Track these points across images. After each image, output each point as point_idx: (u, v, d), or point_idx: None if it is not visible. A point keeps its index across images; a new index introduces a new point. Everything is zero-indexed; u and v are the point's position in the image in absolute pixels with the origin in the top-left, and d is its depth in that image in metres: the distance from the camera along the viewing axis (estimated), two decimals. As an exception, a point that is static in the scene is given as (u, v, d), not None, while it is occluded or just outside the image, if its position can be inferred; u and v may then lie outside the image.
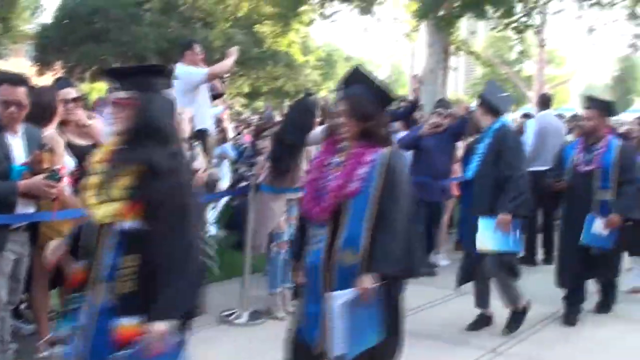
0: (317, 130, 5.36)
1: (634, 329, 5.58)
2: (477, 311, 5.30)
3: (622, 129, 9.62)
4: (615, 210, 5.32)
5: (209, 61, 7.17)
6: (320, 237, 3.10)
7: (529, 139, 8.19)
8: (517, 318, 5.17)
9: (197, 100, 6.14)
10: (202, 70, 6.27)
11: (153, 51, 24.00)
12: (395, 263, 2.98)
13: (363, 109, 3.10)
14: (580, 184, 5.47)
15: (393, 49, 28.84)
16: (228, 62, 6.47)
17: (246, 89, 32.20)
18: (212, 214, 7.88)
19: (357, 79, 3.22)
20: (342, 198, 3.04)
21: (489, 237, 4.94)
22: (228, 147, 9.06)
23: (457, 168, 7.03)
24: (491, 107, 5.20)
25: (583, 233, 5.35)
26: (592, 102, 5.66)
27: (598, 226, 5.34)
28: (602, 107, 5.56)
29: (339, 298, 2.95)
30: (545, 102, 8.67)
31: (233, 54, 6.44)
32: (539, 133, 8.14)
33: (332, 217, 3.06)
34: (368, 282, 2.93)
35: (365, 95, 3.13)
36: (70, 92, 4.45)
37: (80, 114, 4.50)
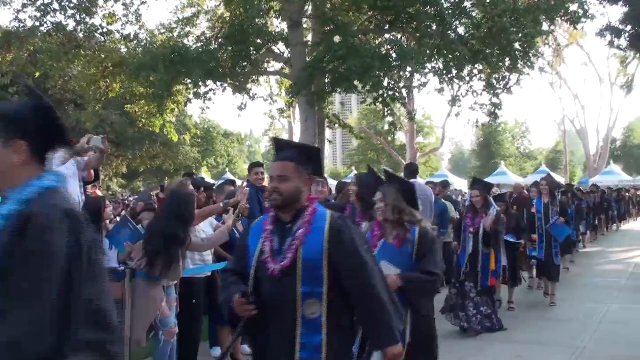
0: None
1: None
2: None
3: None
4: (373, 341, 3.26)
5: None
6: None
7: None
8: None
9: None
10: None
11: (21, 135, 23.04)
12: None
13: None
14: (272, 292, 3.08)
15: (272, 124, 29.61)
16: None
17: (124, 170, 31.46)
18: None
19: None
20: None
21: None
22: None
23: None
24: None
25: None
26: (284, 151, 3.21)
27: None
28: (298, 156, 3.16)
29: None
30: (412, 171, 8.99)
31: (82, 143, 5.84)
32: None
33: None
34: None
35: None
36: None
37: None
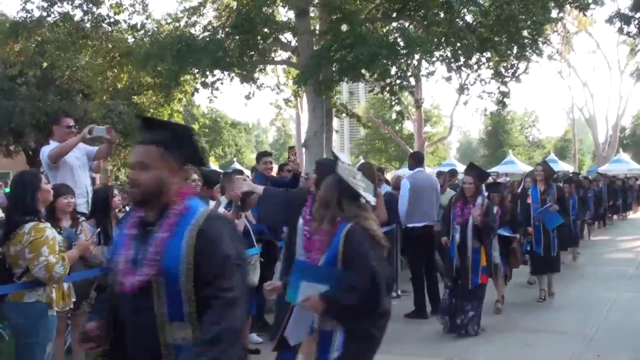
0: None
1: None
2: None
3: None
4: None
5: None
6: None
7: (404, 197, 8.46)
8: None
9: (57, 177, 5.82)
10: (46, 151, 5.96)
11: (31, 126, 23.12)
12: None
13: None
14: (130, 314, 2.52)
15: (279, 113, 29.35)
16: (71, 142, 6.04)
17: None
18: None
19: None
20: None
21: None
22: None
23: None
24: None
25: None
26: (148, 133, 2.64)
27: None
28: (164, 139, 2.56)
29: None
30: (417, 160, 8.94)
31: (83, 133, 6.03)
32: (412, 191, 8.40)
33: None
34: None
35: None
36: None
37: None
